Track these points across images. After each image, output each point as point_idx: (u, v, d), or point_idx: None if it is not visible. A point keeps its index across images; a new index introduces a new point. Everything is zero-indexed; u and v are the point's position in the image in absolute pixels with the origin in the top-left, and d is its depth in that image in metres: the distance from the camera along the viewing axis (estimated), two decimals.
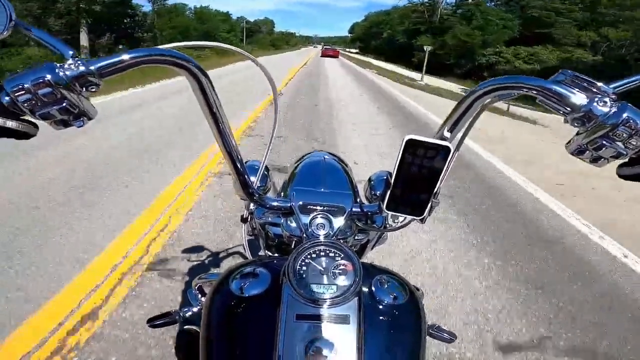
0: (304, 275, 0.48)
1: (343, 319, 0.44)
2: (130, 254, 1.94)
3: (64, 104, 0.34)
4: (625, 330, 1.72)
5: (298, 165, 0.90)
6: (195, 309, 0.68)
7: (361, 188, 0.85)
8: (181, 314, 0.67)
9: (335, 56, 29.56)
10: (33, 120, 0.36)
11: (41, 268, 1.77)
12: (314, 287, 0.46)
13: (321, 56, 29.32)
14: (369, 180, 0.82)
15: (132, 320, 1.51)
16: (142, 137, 4.00)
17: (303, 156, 0.97)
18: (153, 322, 0.68)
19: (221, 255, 1.88)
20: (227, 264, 1.80)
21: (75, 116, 0.36)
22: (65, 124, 0.36)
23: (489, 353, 1.51)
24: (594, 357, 1.55)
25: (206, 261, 1.84)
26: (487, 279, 1.99)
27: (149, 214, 2.36)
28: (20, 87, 0.33)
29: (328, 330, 0.43)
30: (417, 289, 0.65)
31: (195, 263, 1.81)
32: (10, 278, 1.69)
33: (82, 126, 0.37)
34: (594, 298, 1.92)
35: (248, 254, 0.76)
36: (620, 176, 0.40)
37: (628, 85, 0.38)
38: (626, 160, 0.38)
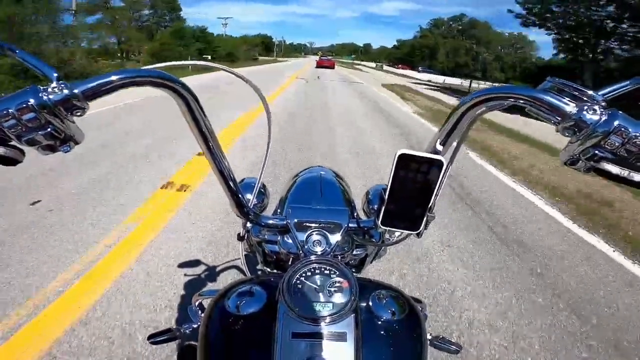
0: (299, 294, 0.47)
1: (340, 337, 0.44)
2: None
3: (49, 129, 0.33)
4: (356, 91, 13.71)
5: (295, 181, 0.90)
6: (195, 325, 0.67)
7: (359, 202, 0.84)
8: (181, 330, 0.67)
9: (331, 67, 29.65)
10: (19, 146, 0.34)
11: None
12: (310, 305, 0.46)
13: (316, 67, 29.15)
14: (366, 194, 0.82)
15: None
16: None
17: (300, 171, 0.96)
18: (154, 338, 0.67)
19: (220, 270, 1.88)
20: (226, 279, 1.84)
21: (61, 141, 0.35)
22: (53, 149, 0.35)
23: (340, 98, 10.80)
24: (354, 92, 12.85)
25: (205, 276, 1.85)
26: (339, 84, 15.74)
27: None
28: (6, 112, 0.31)
29: (325, 348, 0.43)
30: (420, 301, 0.63)
31: (194, 278, 1.83)
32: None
33: (68, 151, 0.36)
34: (355, 89, 14.31)
35: (246, 271, 0.75)
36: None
37: (617, 91, 0.36)
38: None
